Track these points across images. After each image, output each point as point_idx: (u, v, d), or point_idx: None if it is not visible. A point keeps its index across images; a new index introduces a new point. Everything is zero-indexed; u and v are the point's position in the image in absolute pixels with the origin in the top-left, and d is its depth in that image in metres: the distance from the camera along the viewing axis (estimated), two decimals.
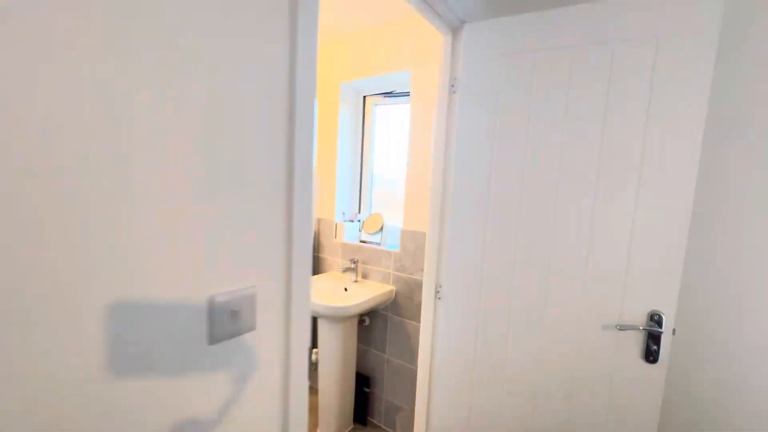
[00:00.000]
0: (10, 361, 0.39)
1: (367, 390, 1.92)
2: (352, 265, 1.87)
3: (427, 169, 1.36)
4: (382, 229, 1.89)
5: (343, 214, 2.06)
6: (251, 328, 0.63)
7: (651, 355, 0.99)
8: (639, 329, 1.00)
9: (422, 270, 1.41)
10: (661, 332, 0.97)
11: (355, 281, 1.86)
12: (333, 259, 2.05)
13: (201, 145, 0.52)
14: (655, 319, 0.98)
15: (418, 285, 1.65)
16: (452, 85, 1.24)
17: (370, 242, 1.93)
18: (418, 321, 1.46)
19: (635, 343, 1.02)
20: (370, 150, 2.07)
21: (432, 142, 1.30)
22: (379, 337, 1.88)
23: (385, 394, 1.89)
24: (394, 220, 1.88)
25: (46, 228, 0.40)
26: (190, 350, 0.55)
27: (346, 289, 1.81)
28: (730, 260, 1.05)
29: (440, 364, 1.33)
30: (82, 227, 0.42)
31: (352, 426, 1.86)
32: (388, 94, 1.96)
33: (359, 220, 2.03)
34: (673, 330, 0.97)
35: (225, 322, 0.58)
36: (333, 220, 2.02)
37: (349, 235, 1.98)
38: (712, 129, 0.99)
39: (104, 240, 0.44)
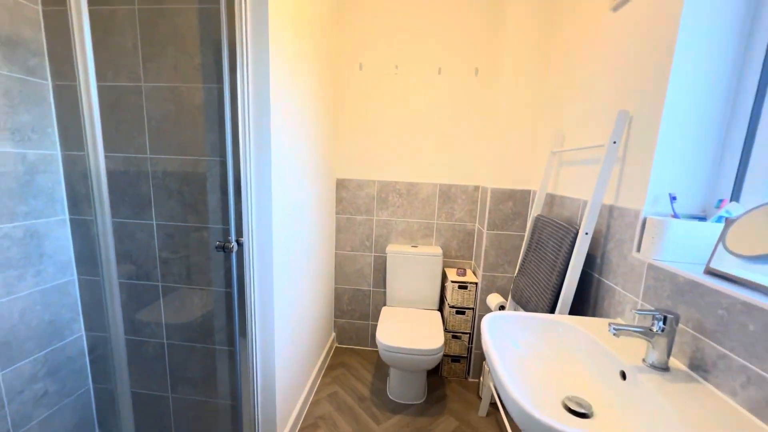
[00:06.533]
0: None
1: None
2: (660, 326, 0.75)
3: None
4: None
5: (673, 199, 0.90)
6: None
7: None
8: None
9: None
10: None
11: (653, 366, 0.78)
12: (623, 292, 1.04)
13: None
14: None
15: None
16: None
17: (738, 280, 0.69)
18: None
19: None
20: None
21: None
22: None
23: None
24: None
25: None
26: None
27: (624, 377, 0.79)
28: None
29: None
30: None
31: None
32: None
33: (725, 217, 0.80)
34: None
35: None
36: (638, 209, 0.96)
37: (677, 247, 0.84)
38: None
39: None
